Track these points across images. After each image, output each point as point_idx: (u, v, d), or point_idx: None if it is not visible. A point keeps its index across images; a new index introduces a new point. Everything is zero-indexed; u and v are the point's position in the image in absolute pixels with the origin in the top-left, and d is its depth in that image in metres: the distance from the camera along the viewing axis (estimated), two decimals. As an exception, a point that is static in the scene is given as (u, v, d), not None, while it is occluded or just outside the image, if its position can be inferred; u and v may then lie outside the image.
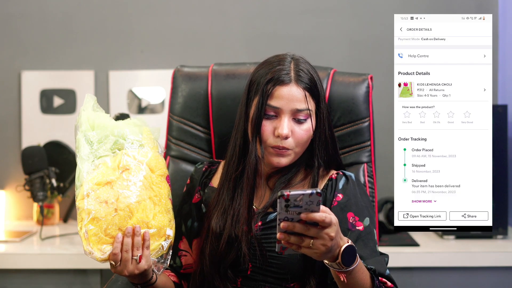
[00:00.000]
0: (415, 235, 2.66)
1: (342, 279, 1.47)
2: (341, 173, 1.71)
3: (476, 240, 2.59)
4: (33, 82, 2.99)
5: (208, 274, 1.68)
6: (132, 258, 1.54)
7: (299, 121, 1.64)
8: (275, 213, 1.65)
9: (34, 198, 2.68)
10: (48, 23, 3.00)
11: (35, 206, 2.86)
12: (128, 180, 1.57)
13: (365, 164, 1.91)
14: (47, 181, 2.69)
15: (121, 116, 2.42)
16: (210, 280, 1.69)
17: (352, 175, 1.72)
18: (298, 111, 1.63)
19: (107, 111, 2.98)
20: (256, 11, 2.98)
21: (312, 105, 1.65)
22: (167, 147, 2.01)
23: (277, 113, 1.63)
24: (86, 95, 1.67)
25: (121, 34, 3.00)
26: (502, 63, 2.93)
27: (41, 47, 3.01)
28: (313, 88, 1.65)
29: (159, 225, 1.58)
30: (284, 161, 1.66)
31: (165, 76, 2.91)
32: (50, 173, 2.70)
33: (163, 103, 2.98)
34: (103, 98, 3.00)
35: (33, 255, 2.51)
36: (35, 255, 2.51)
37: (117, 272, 1.56)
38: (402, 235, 2.66)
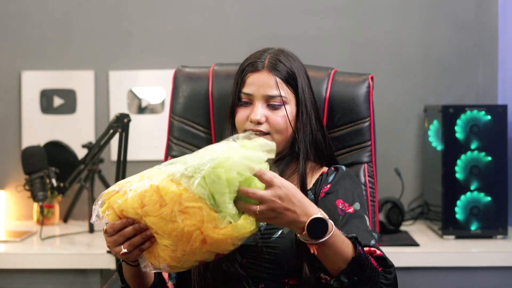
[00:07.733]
0: (415, 235, 2.66)
1: (312, 251, 1.44)
2: (333, 168, 1.72)
3: (476, 240, 2.59)
4: (33, 82, 2.99)
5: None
6: (121, 245, 1.42)
7: (274, 107, 1.67)
8: None
9: (34, 198, 2.68)
10: (48, 23, 3.00)
11: (35, 206, 2.86)
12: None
13: (366, 164, 1.91)
14: (47, 181, 2.69)
15: (121, 116, 2.41)
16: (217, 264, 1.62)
17: (343, 167, 1.72)
18: (270, 97, 1.66)
19: (107, 111, 2.99)
20: (256, 11, 2.98)
21: (287, 93, 1.67)
22: (168, 147, 2.01)
23: (251, 100, 1.68)
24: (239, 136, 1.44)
25: (121, 34, 3.00)
26: (502, 63, 2.93)
27: (41, 47, 3.00)
28: (287, 77, 1.68)
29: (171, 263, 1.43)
30: None
31: (165, 76, 2.91)
32: (50, 173, 2.69)
33: (163, 103, 2.98)
34: (103, 98, 2.99)
35: (33, 255, 2.51)
36: (35, 255, 2.51)
37: (107, 241, 1.46)
38: (402, 235, 2.66)
